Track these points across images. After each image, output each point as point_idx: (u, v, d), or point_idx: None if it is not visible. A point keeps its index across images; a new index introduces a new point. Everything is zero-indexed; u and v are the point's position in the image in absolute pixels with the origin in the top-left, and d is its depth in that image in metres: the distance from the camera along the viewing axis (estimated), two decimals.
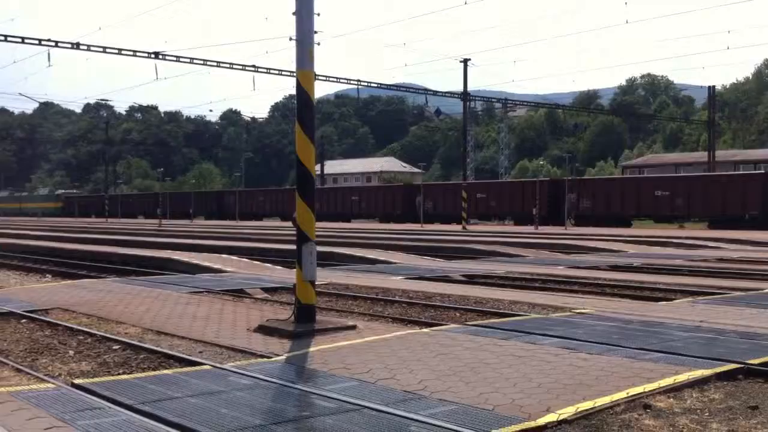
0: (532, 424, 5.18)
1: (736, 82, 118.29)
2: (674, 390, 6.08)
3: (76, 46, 40.01)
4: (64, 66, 57.35)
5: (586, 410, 5.49)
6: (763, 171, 45.30)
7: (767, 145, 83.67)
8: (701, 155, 73.46)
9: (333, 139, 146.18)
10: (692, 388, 6.16)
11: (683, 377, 6.37)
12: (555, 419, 5.29)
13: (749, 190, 41.45)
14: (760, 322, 9.27)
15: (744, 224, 39.57)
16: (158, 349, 8.07)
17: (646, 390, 5.99)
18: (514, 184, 57.88)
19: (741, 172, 50.90)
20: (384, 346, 7.92)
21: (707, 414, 5.49)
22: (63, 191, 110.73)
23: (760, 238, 29.75)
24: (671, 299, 12.02)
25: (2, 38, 37.81)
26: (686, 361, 6.98)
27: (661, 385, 6.13)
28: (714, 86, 65.33)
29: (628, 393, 5.89)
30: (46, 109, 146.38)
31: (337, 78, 49.14)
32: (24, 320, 10.21)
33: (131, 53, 41.67)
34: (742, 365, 6.80)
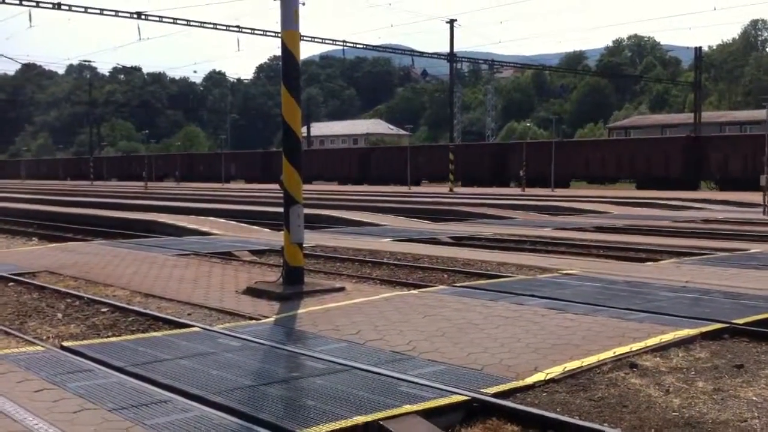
0: (520, 383, 5.23)
1: (722, 43, 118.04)
2: (660, 349, 6.15)
3: (58, 6, 39.47)
4: (45, 27, 56.53)
5: (574, 369, 5.55)
6: None
7: (753, 106, 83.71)
8: (687, 116, 73.53)
9: (319, 100, 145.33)
10: (678, 348, 6.23)
11: (669, 337, 6.44)
12: (543, 378, 5.34)
13: None
14: (745, 282, 9.37)
15: None
16: (147, 311, 8.08)
17: (633, 349, 6.06)
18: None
19: None
20: (372, 307, 7.96)
21: (693, 373, 5.55)
22: None
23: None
24: (657, 260, 12.10)
25: None
26: (672, 320, 7.05)
27: (647, 345, 6.20)
28: (700, 47, 65.02)
29: (614, 352, 5.96)
30: (29, 70, 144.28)
31: (322, 39, 48.89)
32: (11, 283, 10.18)
33: (113, 13, 41.19)
34: (728, 325, 6.87)
